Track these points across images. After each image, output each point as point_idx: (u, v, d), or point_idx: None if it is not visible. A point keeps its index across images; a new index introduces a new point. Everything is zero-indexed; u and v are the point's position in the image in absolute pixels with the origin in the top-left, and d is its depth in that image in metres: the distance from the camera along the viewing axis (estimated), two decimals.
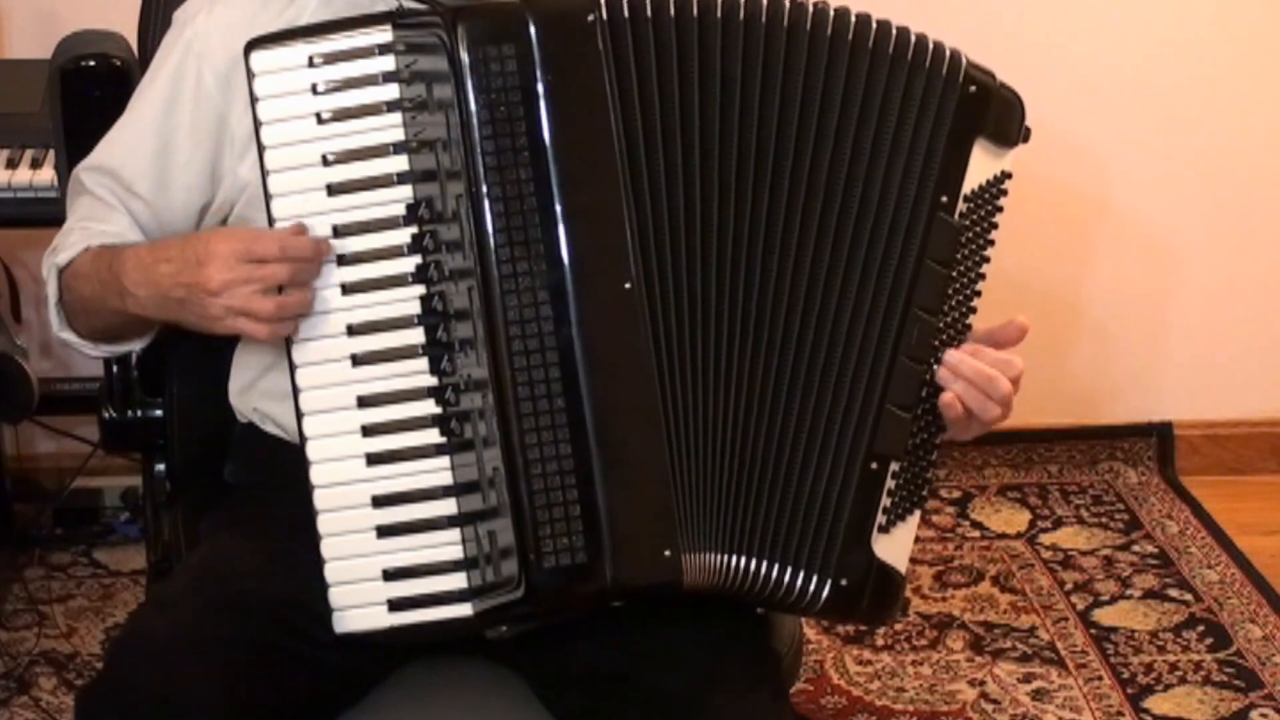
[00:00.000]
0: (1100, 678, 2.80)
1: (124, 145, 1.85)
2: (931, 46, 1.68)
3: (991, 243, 1.71)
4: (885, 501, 1.68)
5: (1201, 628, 2.94)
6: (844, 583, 1.67)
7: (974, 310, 1.72)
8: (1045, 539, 3.24)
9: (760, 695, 1.69)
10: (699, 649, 1.68)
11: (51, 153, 2.53)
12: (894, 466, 1.68)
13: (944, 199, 1.68)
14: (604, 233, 1.61)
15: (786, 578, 1.67)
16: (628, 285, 1.61)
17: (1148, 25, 3.31)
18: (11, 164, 2.57)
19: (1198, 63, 3.33)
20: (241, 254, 1.64)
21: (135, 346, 1.88)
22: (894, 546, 1.70)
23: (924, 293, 1.68)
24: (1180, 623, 2.96)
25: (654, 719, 1.64)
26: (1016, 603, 3.02)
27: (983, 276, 1.71)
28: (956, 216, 1.68)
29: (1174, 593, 3.06)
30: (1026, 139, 1.72)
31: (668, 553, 1.62)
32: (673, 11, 1.62)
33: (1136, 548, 3.21)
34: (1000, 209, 1.71)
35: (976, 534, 3.26)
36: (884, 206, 1.67)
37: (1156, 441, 3.49)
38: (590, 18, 1.60)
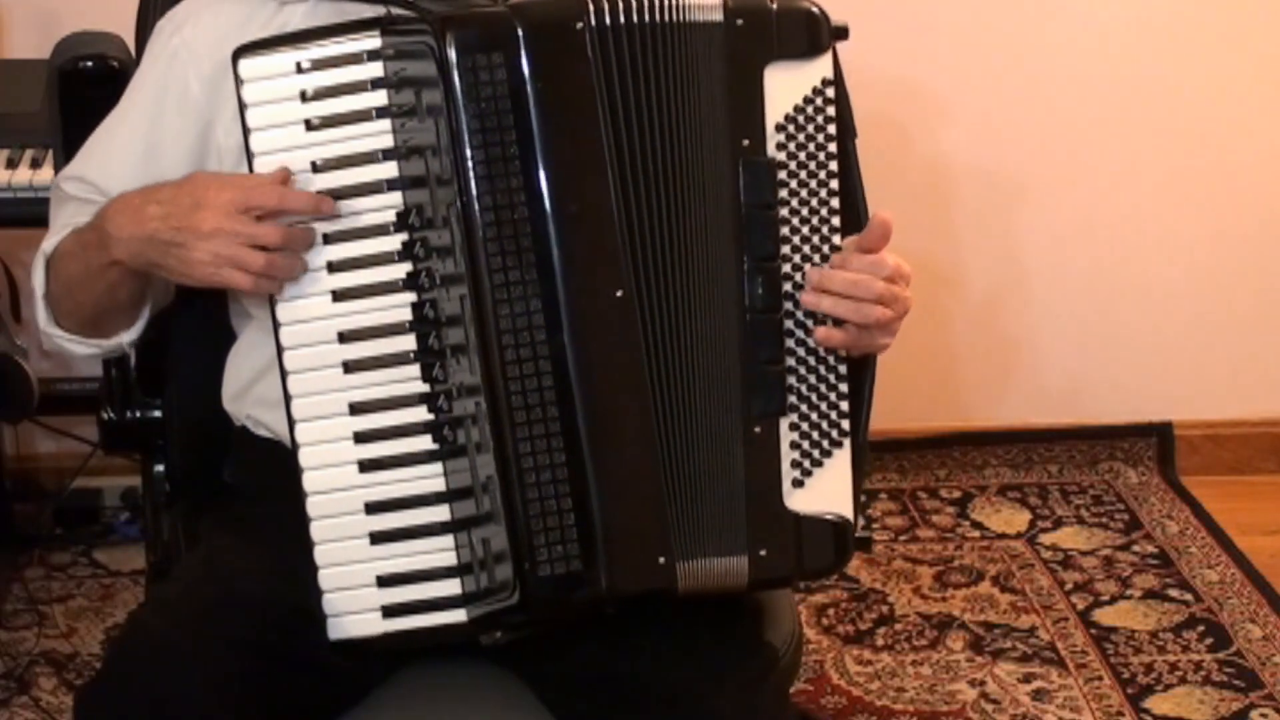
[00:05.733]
0: (1100, 678, 2.80)
1: (107, 155, 1.83)
2: (688, 0, 1.64)
3: (835, 155, 1.66)
4: (792, 455, 1.67)
5: (1201, 628, 2.94)
6: (763, 553, 1.66)
7: (838, 230, 1.67)
8: (1045, 539, 3.24)
9: (761, 693, 1.69)
10: (698, 648, 1.68)
11: (51, 153, 2.53)
12: (790, 419, 1.67)
13: (746, 142, 1.65)
14: (595, 240, 1.61)
15: (714, 566, 1.65)
16: (620, 293, 1.61)
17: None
18: (11, 164, 2.57)
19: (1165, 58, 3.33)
20: (239, 203, 1.62)
21: (123, 339, 1.84)
22: (820, 495, 1.67)
23: (757, 241, 1.65)
24: (1180, 623, 2.96)
25: (655, 718, 1.64)
26: (1016, 603, 3.02)
27: (836, 193, 1.66)
28: (773, 150, 1.65)
29: (1174, 593, 3.05)
30: (842, 37, 1.67)
31: (662, 560, 1.62)
32: (653, 16, 1.62)
33: (1136, 548, 3.21)
34: (832, 118, 1.66)
35: (976, 534, 3.25)
36: (697, 171, 1.64)
37: (1156, 441, 3.49)
38: (579, 25, 1.60)
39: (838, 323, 1.67)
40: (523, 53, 1.58)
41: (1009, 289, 3.39)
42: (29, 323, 2.93)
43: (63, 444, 3.17)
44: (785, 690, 1.83)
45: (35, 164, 2.57)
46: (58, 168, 2.41)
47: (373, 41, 1.63)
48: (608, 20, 1.61)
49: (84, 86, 2.32)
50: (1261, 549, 3.19)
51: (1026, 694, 2.76)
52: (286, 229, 1.62)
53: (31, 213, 2.54)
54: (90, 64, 2.35)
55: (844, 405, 1.68)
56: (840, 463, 1.68)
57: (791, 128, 1.66)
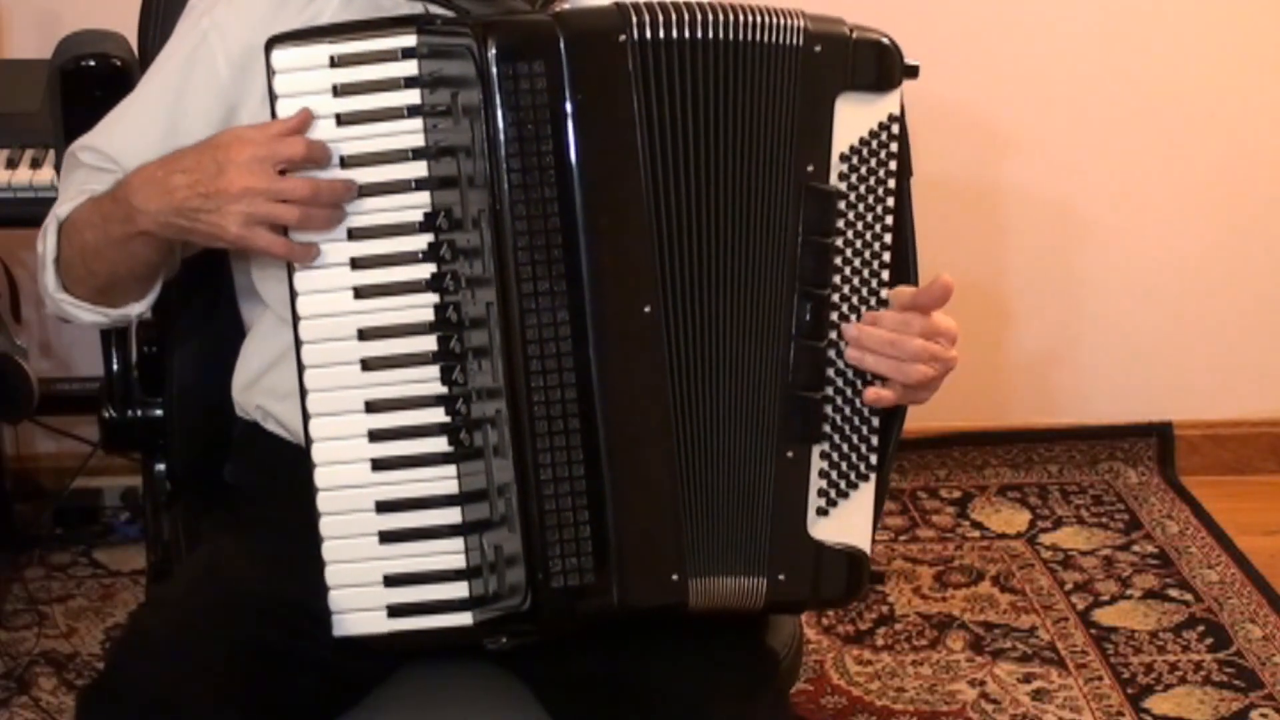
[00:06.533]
0: (1100, 678, 2.80)
1: (127, 130, 1.82)
2: (770, 21, 1.63)
3: (892, 191, 1.66)
4: (820, 484, 1.66)
5: (1201, 628, 2.95)
6: (782, 577, 1.66)
7: (887, 266, 1.67)
8: (1045, 539, 3.24)
9: (760, 699, 1.69)
10: (699, 653, 1.67)
11: (51, 153, 2.53)
12: (822, 447, 1.67)
13: (810, 168, 1.64)
14: (626, 254, 1.60)
15: (730, 585, 1.66)
16: (648, 309, 1.61)
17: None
18: (11, 164, 2.57)
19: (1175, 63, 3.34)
20: (264, 158, 1.61)
21: (132, 310, 1.83)
22: (843, 525, 1.67)
23: (810, 269, 1.65)
24: (1180, 623, 2.96)
25: None
26: (1016, 603, 3.02)
27: (889, 229, 1.66)
28: (835, 179, 1.65)
29: (1174, 593, 3.06)
30: (913, 75, 1.67)
31: (675, 577, 1.62)
32: (710, 34, 1.61)
33: (1136, 548, 3.21)
34: (894, 154, 1.66)
35: (976, 534, 3.26)
36: (749, 191, 1.63)
37: (1156, 441, 3.49)
38: (621, 37, 1.59)
39: (883, 381, 1.67)
40: (564, 63, 1.57)
41: (1007, 291, 3.40)
42: (29, 323, 2.95)
43: (63, 444, 3.17)
44: (785, 694, 1.83)
45: (35, 164, 2.57)
46: (58, 168, 2.41)
47: (408, 39, 1.62)
48: (649, 34, 1.60)
49: (86, 86, 2.31)
50: (1261, 549, 3.19)
51: (1026, 694, 2.76)
52: (315, 181, 1.61)
53: (31, 213, 2.53)
54: (93, 63, 2.35)
55: (874, 440, 1.68)
56: (864, 496, 1.68)
57: (855, 159, 1.65)
